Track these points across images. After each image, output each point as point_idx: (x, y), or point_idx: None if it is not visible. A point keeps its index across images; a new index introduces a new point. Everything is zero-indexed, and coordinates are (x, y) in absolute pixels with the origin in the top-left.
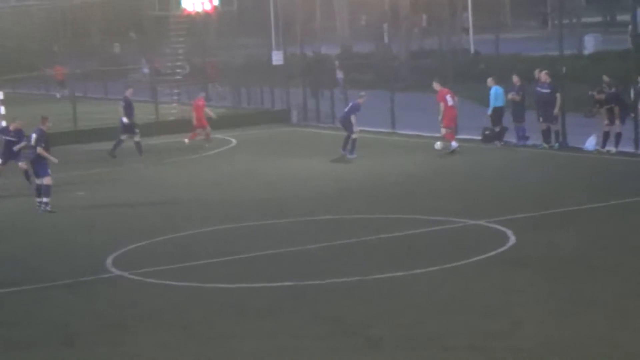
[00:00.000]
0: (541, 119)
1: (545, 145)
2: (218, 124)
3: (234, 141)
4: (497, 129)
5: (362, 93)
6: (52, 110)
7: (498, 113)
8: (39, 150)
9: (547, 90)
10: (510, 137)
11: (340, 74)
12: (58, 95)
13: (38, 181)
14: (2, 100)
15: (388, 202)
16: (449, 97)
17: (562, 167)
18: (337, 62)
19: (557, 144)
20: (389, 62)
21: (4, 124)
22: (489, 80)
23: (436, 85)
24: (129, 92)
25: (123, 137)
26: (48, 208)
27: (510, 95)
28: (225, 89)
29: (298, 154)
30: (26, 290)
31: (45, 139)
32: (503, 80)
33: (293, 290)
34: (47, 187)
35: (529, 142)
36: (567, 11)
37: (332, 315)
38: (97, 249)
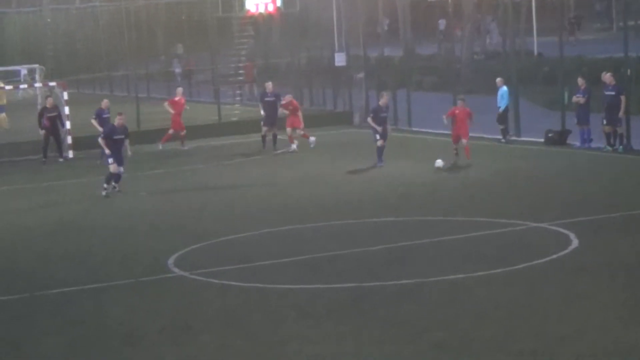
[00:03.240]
0: (605, 122)
1: (609, 148)
2: (279, 125)
3: (295, 142)
4: (502, 127)
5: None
6: (115, 110)
7: (504, 112)
8: (99, 139)
9: (612, 93)
10: (574, 140)
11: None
12: None
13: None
14: (66, 100)
15: (450, 205)
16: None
17: (626, 170)
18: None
19: (621, 147)
20: (451, 64)
21: (68, 125)
22: (498, 81)
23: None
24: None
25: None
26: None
27: (574, 98)
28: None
29: (360, 156)
30: (89, 290)
31: (108, 133)
32: (567, 82)
33: (354, 292)
34: (109, 173)
35: (593, 145)
36: (633, 12)
37: (393, 319)
38: (159, 249)
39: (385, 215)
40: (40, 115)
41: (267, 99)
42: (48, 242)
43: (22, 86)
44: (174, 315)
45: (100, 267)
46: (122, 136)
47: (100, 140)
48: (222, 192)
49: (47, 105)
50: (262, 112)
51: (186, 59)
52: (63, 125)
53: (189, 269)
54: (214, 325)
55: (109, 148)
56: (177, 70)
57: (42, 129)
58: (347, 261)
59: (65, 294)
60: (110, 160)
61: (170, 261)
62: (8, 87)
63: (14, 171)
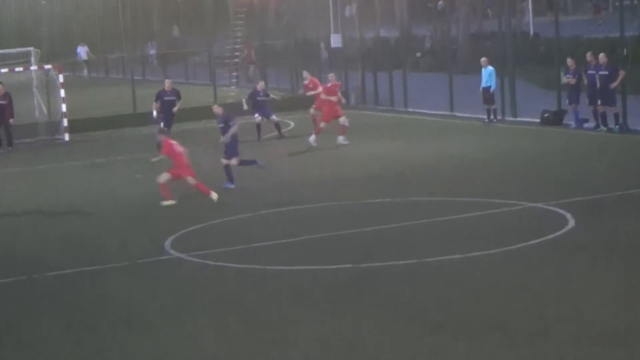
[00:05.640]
0: (599, 102)
1: (604, 128)
2: (276, 107)
3: (292, 124)
4: (493, 107)
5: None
6: (112, 93)
7: (489, 92)
8: None
9: (606, 72)
10: (570, 120)
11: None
12: None
13: None
14: (61, 83)
15: (447, 185)
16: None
17: (623, 150)
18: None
19: (617, 127)
20: (447, 44)
21: (64, 108)
22: (483, 61)
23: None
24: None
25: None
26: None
27: (565, 79)
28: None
29: (356, 136)
30: (86, 272)
31: None
32: (563, 63)
33: (352, 273)
34: None
35: (589, 125)
36: None
37: (391, 299)
38: (155, 230)
39: (381, 196)
40: None
41: (166, 98)
42: (45, 224)
43: (17, 69)
44: (171, 297)
45: (97, 250)
46: None
47: None
48: (217, 174)
49: None
50: (155, 112)
51: (161, 42)
52: (12, 114)
53: (185, 251)
54: (212, 307)
55: None
56: (152, 52)
57: None
58: (344, 242)
59: (63, 277)
60: None
61: (167, 243)
62: (4, 70)
63: (10, 154)
